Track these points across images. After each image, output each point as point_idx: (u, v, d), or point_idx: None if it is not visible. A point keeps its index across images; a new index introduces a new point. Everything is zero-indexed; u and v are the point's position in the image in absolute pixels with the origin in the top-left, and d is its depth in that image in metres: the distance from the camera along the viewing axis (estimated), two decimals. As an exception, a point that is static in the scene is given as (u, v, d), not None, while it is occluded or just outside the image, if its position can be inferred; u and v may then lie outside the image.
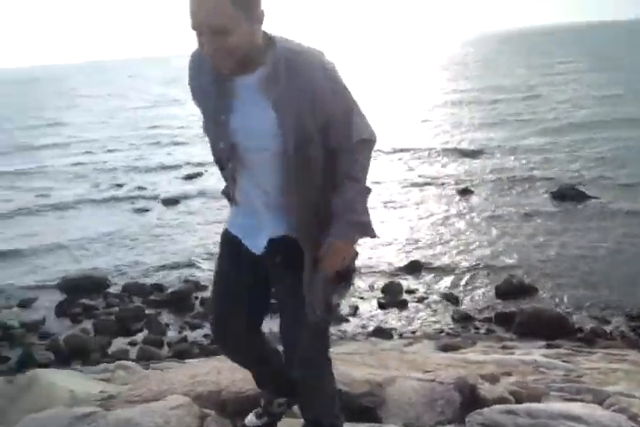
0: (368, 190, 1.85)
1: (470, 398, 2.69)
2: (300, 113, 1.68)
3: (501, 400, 2.68)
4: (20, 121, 34.97)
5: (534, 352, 4.79)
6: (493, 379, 2.96)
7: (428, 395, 2.68)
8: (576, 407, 2.61)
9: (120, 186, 16.07)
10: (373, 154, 1.90)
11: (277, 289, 2.03)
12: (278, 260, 1.92)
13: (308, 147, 1.72)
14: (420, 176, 14.29)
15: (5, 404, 2.70)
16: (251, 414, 2.38)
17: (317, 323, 1.91)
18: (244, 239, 1.96)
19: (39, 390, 2.72)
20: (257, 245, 1.93)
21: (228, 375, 2.83)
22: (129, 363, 4.59)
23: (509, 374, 3.23)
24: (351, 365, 3.09)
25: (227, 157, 1.83)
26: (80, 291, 8.73)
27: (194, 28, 1.58)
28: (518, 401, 2.74)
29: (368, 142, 1.84)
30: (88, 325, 7.75)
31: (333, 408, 2.13)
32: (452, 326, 6.88)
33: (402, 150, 17.27)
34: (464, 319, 6.96)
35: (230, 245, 2.01)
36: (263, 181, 1.83)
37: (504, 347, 5.73)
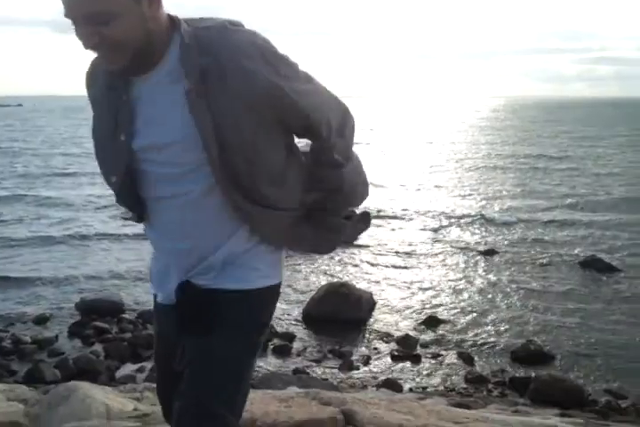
0: (345, 163, 1.51)
1: (500, 454, 2.70)
2: (230, 105, 1.29)
3: (531, 459, 2.68)
4: (64, 148, 36.03)
5: (551, 418, 4.73)
6: (522, 437, 2.96)
7: (459, 446, 2.70)
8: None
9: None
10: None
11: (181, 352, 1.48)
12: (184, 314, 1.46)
13: (250, 148, 1.33)
14: (445, 238, 14.36)
15: (42, 412, 2.75)
16: None
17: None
18: (157, 289, 1.58)
19: (76, 401, 2.76)
20: (166, 293, 1.53)
21: (262, 406, 2.86)
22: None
23: (535, 436, 3.22)
24: (380, 408, 3.10)
25: (127, 187, 1.43)
26: (95, 314, 8.79)
27: (66, 16, 1.25)
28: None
29: (337, 112, 1.47)
30: (99, 347, 7.78)
31: None
32: (464, 386, 6.81)
33: (427, 213, 17.32)
34: (477, 380, 6.88)
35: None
36: (179, 212, 1.41)
37: (516, 411, 5.65)
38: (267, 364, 7.24)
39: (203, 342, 1.42)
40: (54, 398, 2.84)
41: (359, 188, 1.59)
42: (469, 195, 20.65)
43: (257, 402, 2.93)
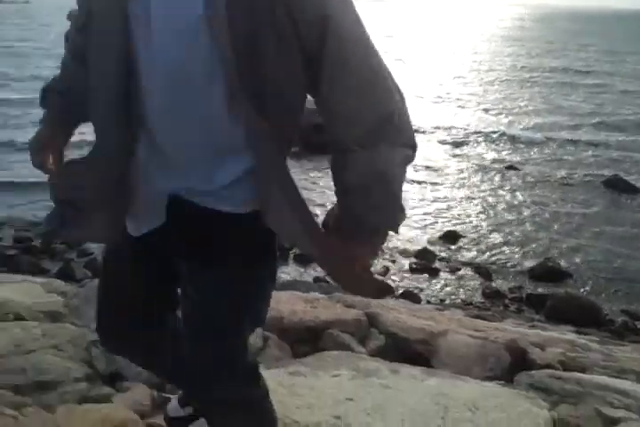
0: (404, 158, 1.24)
1: (520, 361, 2.78)
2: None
3: (549, 367, 2.76)
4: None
5: (568, 334, 4.84)
6: (541, 347, 3.04)
7: (479, 351, 2.78)
8: (622, 383, 2.68)
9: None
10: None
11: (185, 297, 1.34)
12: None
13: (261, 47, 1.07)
14: (466, 153, 14.20)
15: (80, 304, 2.86)
16: (173, 398, 1.76)
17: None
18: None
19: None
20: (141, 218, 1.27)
21: (288, 306, 2.95)
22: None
23: (553, 347, 3.30)
24: (402, 314, 3.19)
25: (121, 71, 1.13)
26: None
27: None
28: (565, 371, 2.81)
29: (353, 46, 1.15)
30: (127, 251, 7.99)
31: None
32: (481, 300, 6.94)
33: (448, 127, 16.89)
34: (494, 295, 7.00)
35: None
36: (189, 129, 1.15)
37: (533, 326, 5.78)
38: (288, 272, 7.43)
39: (211, 276, 1.23)
40: (92, 291, 2.94)
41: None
42: (492, 109, 20.14)
43: (284, 302, 3.02)
